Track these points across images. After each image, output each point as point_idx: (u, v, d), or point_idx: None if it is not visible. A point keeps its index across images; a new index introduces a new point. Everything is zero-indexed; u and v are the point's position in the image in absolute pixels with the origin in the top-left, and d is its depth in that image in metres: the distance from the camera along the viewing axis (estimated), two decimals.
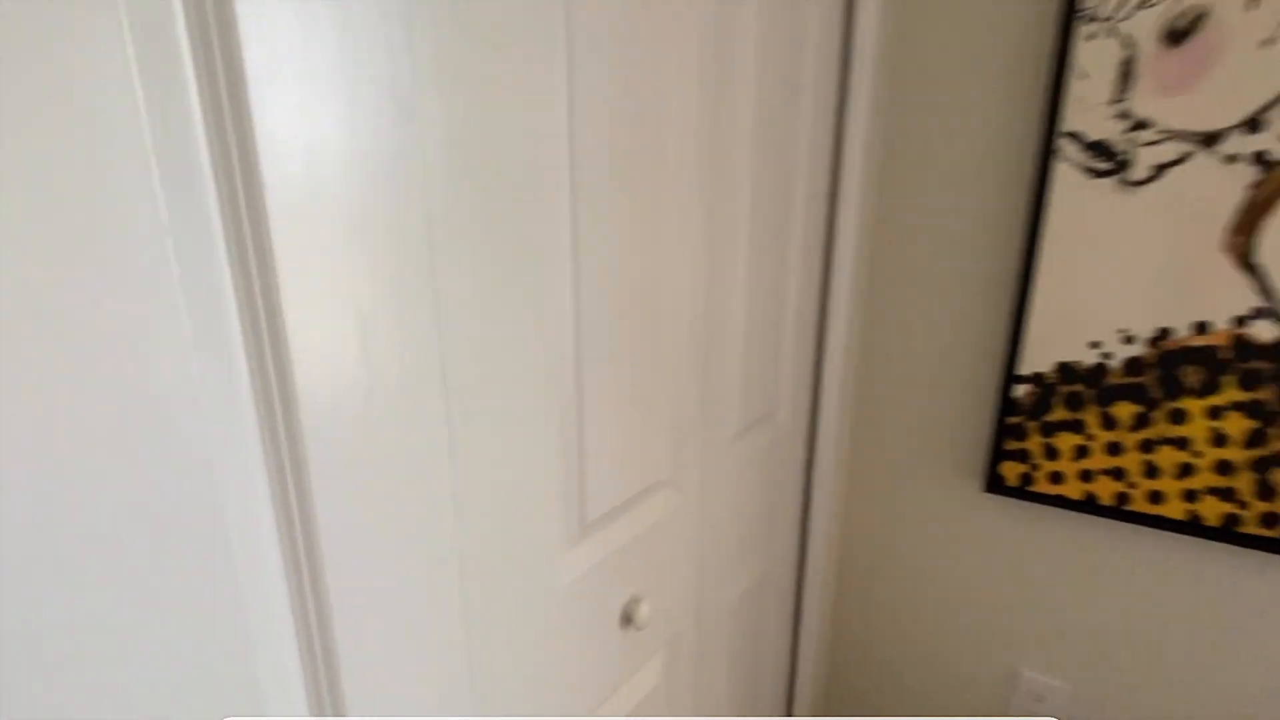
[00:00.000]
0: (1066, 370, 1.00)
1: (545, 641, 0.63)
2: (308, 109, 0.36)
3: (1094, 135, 0.92)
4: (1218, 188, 0.86)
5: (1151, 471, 0.98)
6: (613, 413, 0.66)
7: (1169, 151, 0.88)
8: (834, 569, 1.29)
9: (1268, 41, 0.81)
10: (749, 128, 0.79)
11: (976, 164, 1.02)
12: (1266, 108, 0.82)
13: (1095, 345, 0.98)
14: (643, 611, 0.74)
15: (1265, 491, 0.92)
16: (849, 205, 1.02)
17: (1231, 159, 0.85)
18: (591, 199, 0.58)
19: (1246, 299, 0.88)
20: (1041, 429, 1.04)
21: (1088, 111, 0.92)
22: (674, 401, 0.76)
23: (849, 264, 1.05)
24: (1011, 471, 1.08)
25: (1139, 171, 0.90)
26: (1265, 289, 0.86)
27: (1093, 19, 0.89)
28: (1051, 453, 1.04)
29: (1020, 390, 1.04)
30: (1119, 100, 0.90)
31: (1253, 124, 0.83)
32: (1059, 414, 1.02)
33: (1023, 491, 1.08)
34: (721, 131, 0.74)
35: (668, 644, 0.86)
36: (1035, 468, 1.06)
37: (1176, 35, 0.85)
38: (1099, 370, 0.98)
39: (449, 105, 0.44)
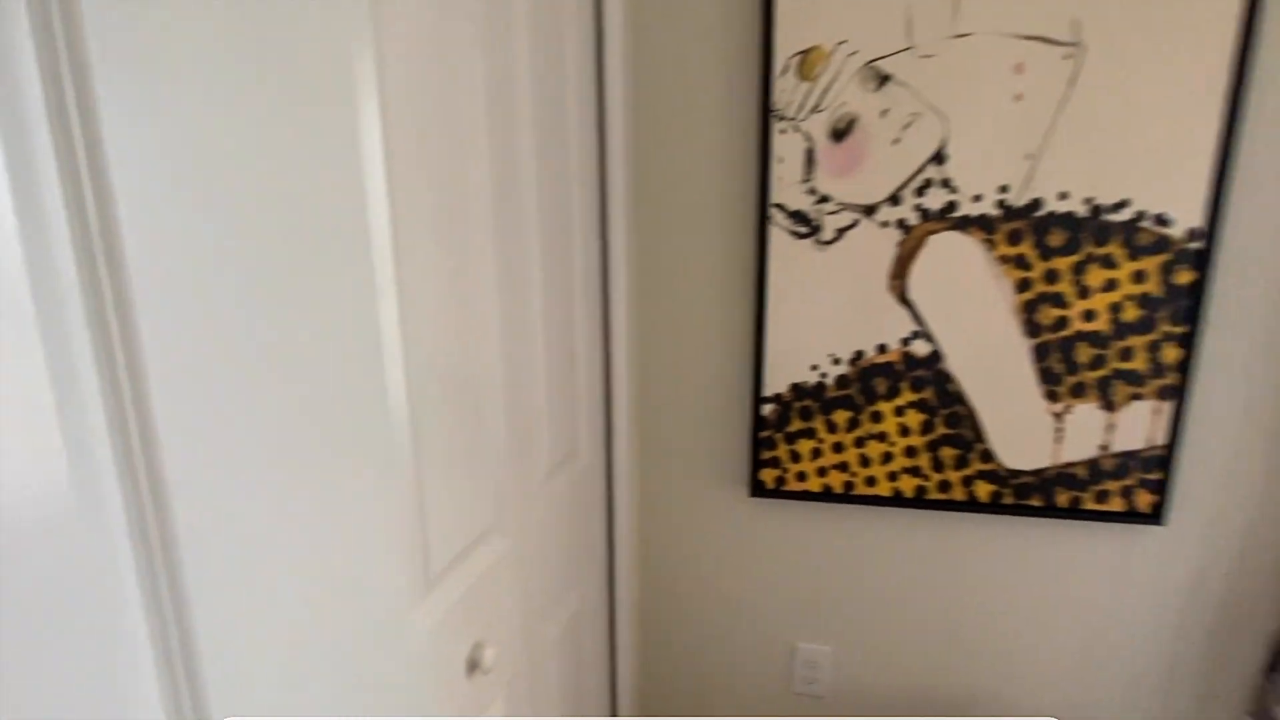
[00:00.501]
0: (798, 389, 1.26)
1: (402, 702, 0.67)
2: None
3: (793, 206, 1.19)
4: (878, 245, 1.17)
5: (865, 462, 1.26)
6: (445, 467, 0.73)
7: (845, 219, 1.17)
8: (639, 583, 1.43)
9: (896, 140, 1.13)
10: (534, 212, 0.91)
11: (715, 231, 1.25)
12: (901, 187, 1.14)
13: (815, 367, 1.24)
14: (488, 656, 0.80)
15: (938, 465, 1.23)
16: (617, 270, 1.19)
17: (885, 224, 1.16)
18: (413, 271, 0.65)
19: (907, 325, 1.19)
20: (786, 438, 1.28)
21: (787, 188, 1.18)
22: (492, 450, 0.84)
23: (623, 317, 1.22)
24: (768, 476, 1.31)
25: (827, 234, 1.18)
26: (917, 317, 1.18)
27: (782, 118, 1.16)
28: (795, 457, 1.29)
29: (767, 409, 1.27)
30: (807, 180, 1.17)
31: (894, 199, 1.15)
32: (796, 425, 1.27)
33: (778, 492, 1.31)
34: (512, 205, 0.86)
35: (507, 685, 0.92)
36: (785, 471, 1.30)
37: (838, 134, 1.15)
38: (820, 387, 1.25)
39: (288, 183, 0.50)
